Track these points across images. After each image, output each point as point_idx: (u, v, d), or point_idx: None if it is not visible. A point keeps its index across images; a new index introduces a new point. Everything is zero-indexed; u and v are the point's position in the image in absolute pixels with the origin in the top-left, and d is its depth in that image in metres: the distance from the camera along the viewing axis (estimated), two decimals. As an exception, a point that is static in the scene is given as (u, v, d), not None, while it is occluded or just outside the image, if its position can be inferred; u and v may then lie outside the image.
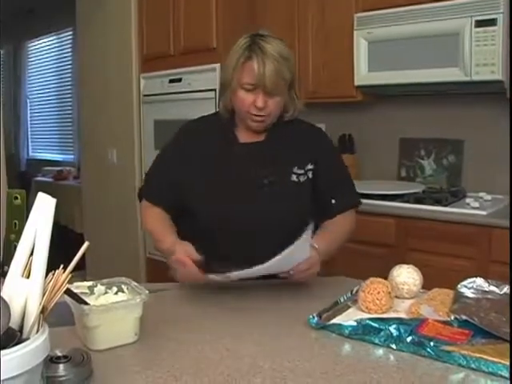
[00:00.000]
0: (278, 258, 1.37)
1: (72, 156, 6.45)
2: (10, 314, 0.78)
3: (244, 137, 1.71)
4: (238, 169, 1.67)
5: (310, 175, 1.70)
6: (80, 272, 4.14)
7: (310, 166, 1.70)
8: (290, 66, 1.61)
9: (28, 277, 0.83)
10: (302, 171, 1.69)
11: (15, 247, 0.85)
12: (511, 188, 2.58)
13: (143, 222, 1.82)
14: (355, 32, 3.10)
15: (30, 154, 7.46)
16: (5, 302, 0.78)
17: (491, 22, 2.57)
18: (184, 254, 1.46)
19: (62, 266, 0.87)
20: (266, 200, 1.64)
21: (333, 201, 1.72)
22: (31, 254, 0.84)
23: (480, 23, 2.60)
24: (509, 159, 2.81)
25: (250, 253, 1.47)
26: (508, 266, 2.01)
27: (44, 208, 0.84)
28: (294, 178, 1.68)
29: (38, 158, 7.21)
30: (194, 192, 1.66)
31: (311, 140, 1.76)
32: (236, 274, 1.39)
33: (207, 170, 1.68)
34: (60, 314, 1.04)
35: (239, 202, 1.63)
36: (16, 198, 0.88)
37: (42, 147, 7.24)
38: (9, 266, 0.84)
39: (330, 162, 1.77)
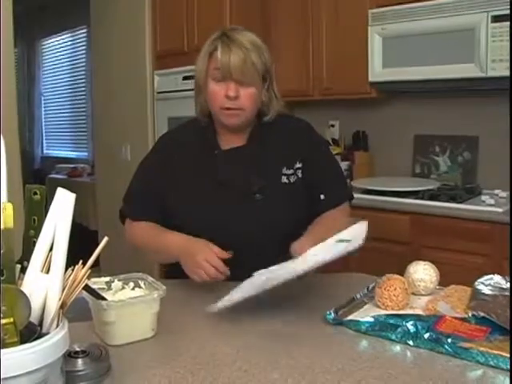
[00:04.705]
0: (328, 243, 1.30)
1: (86, 153, 6.49)
2: (30, 308, 0.79)
3: (226, 143, 1.64)
4: (225, 178, 1.59)
5: (300, 174, 1.64)
6: (95, 268, 4.16)
7: (298, 165, 1.64)
8: (264, 58, 1.53)
9: (47, 272, 0.84)
10: (291, 171, 1.62)
11: (34, 243, 0.85)
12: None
13: (132, 238, 1.69)
14: (369, 28, 3.09)
15: (45, 151, 7.51)
16: (25, 296, 0.79)
17: (508, 17, 2.54)
18: (212, 253, 1.40)
19: (81, 262, 0.87)
20: (258, 207, 1.57)
21: (322, 196, 1.65)
22: (50, 249, 0.84)
23: (496, 18, 2.58)
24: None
25: (247, 263, 1.40)
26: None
27: (63, 203, 0.84)
28: (284, 179, 1.61)
29: (52, 155, 7.26)
30: (181, 205, 1.59)
31: (297, 137, 1.68)
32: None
33: (192, 180, 1.61)
34: (77, 309, 1.04)
35: (231, 212, 1.56)
36: (35, 193, 0.88)
37: (56, 144, 7.28)
38: (28, 262, 0.85)
39: (317, 157, 1.69)
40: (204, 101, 1.61)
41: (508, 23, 2.55)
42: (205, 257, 1.40)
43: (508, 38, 2.55)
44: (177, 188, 1.61)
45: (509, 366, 1.02)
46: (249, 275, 1.34)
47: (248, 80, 1.51)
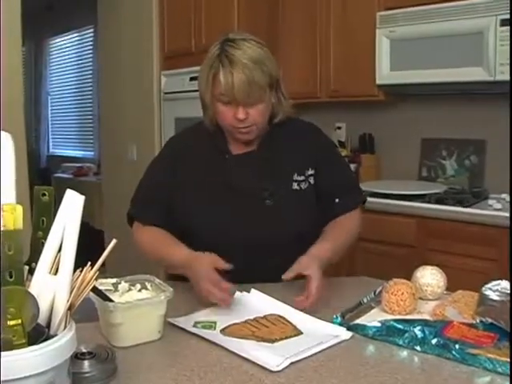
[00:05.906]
0: None
1: (92, 153, 6.49)
2: (38, 310, 0.79)
3: (236, 148, 1.62)
4: (235, 182, 1.58)
5: (312, 181, 1.62)
6: (101, 269, 4.15)
7: (310, 172, 1.62)
8: (268, 69, 1.49)
9: (55, 274, 0.84)
10: (302, 177, 1.61)
11: (43, 244, 0.85)
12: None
13: (139, 243, 1.66)
14: (377, 30, 3.08)
15: (51, 150, 7.51)
16: (33, 298, 0.79)
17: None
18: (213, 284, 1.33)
19: (89, 263, 0.87)
20: (269, 213, 1.56)
21: (336, 200, 1.63)
22: (59, 250, 0.84)
23: (505, 22, 2.56)
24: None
25: (254, 267, 1.45)
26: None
27: (72, 205, 0.84)
28: (295, 185, 1.60)
29: (59, 154, 7.27)
30: (190, 209, 1.58)
31: (308, 142, 1.67)
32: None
33: (201, 183, 1.60)
34: (84, 310, 1.04)
35: (241, 218, 1.55)
36: (44, 194, 0.87)
37: (63, 144, 7.29)
38: (37, 263, 0.85)
39: (330, 163, 1.68)
40: (212, 114, 1.59)
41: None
42: (207, 287, 1.34)
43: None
44: (185, 191, 1.60)
45: (517, 373, 1.02)
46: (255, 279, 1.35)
47: (255, 100, 1.48)
